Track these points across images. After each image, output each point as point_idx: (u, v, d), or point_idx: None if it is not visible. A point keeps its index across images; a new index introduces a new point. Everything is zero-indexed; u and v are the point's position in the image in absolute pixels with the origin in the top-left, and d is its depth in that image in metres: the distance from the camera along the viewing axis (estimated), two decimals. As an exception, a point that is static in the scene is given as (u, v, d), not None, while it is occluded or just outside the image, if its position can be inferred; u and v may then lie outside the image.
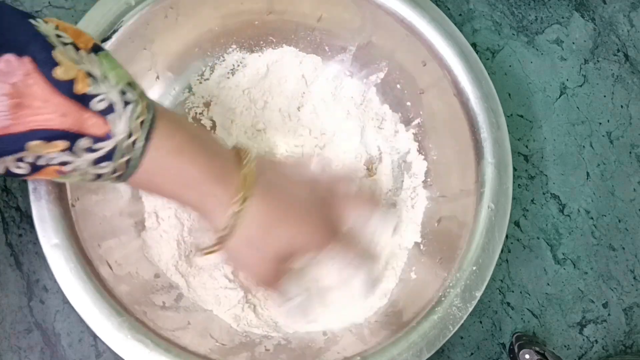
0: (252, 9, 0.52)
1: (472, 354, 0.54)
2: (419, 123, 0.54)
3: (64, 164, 0.30)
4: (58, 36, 0.29)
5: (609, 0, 0.66)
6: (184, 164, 0.33)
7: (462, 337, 0.54)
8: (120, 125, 0.30)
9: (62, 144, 0.29)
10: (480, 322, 0.55)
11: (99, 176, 0.31)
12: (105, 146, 0.30)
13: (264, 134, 0.53)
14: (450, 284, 0.43)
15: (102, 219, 0.45)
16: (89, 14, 0.45)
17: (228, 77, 0.54)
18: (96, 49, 0.31)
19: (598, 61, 0.64)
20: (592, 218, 0.60)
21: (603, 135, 0.62)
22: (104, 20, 0.44)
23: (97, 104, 0.29)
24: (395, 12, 0.49)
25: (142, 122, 0.31)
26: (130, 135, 0.30)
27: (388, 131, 0.55)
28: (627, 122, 0.63)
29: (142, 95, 0.32)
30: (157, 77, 0.52)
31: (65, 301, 0.39)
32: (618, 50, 0.65)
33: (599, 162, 0.61)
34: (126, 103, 0.30)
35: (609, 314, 0.58)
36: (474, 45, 0.62)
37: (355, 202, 0.43)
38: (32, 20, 0.29)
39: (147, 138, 0.31)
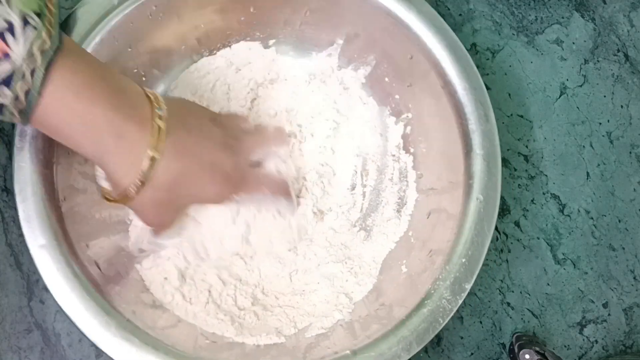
0: (237, 4, 0.52)
1: (472, 354, 0.54)
2: (407, 116, 0.54)
3: None
4: None
5: (609, 0, 0.66)
6: (88, 104, 0.32)
7: (462, 337, 0.54)
8: (19, 48, 0.29)
9: None
10: (480, 322, 0.55)
11: (1, 107, 0.31)
12: (3, 69, 0.29)
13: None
14: (440, 277, 0.43)
15: (89, 218, 0.45)
16: (73, 15, 0.45)
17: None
18: None
19: (598, 61, 0.64)
20: (592, 218, 0.60)
21: (603, 135, 0.62)
22: (88, 20, 0.45)
23: None
24: (382, 4, 0.49)
25: (43, 50, 0.30)
26: (29, 61, 0.29)
27: (377, 125, 0.55)
28: (627, 122, 0.63)
29: (52, 25, 0.31)
30: (144, 76, 0.52)
31: (65, 301, 0.39)
32: (618, 50, 0.65)
33: (599, 162, 0.61)
34: (27, 25, 0.29)
35: (609, 314, 0.57)
36: (474, 45, 0.63)
37: (257, 139, 0.46)
38: None
39: (48, 67, 0.30)
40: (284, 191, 0.47)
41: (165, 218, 0.42)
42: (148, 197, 0.37)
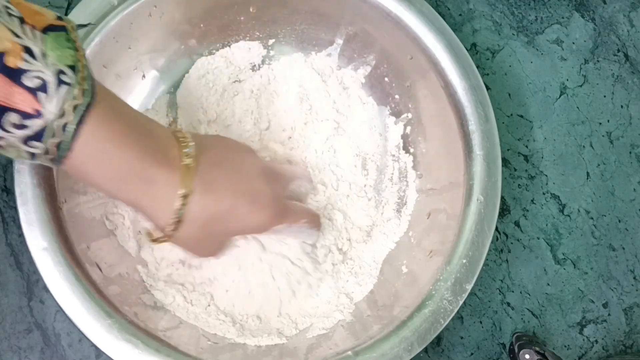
0: (236, 4, 0.52)
1: (472, 354, 0.54)
2: (407, 116, 0.54)
3: None
4: (6, 7, 0.28)
5: (609, 0, 0.66)
6: (118, 155, 0.33)
7: (462, 337, 0.54)
8: (51, 106, 0.29)
9: None
10: (480, 322, 0.55)
11: (33, 155, 0.31)
12: (34, 125, 0.29)
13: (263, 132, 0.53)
14: (441, 278, 0.43)
15: (90, 220, 0.45)
16: (71, 15, 0.45)
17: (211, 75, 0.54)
18: (50, 29, 0.30)
19: (598, 61, 0.64)
20: (592, 218, 0.60)
21: (603, 135, 0.62)
22: (88, 21, 0.45)
23: (29, 81, 0.28)
24: (381, 4, 0.49)
25: (75, 106, 0.30)
26: (61, 117, 0.30)
27: (377, 125, 0.55)
28: (627, 122, 0.63)
29: (85, 79, 0.31)
30: (143, 76, 0.52)
31: (65, 301, 0.39)
32: (618, 50, 0.65)
33: (599, 162, 0.61)
34: (60, 83, 0.29)
35: (609, 314, 0.58)
36: (474, 45, 0.63)
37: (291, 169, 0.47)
38: None
39: (80, 122, 0.31)
40: (316, 223, 0.47)
41: (209, 251, 0.42)
42: (187, 234, 0.37)
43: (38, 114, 0.29)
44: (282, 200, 0.42)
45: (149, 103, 0.52)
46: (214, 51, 0.54)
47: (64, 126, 0.30)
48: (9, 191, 0.51)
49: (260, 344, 0.45)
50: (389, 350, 0.40)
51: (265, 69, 0.55)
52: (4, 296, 0.49)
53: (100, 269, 0.43)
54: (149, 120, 0.37)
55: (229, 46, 0.55)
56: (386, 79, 0.55)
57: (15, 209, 0.50)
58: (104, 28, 0.45)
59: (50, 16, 0.31)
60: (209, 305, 0.46)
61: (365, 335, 0.42)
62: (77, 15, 0.45)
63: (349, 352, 0.40)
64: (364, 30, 0.53)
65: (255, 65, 0.55)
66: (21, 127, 0.29)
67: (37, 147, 0.30)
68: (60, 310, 0.49)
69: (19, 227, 0.50)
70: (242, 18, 0.53)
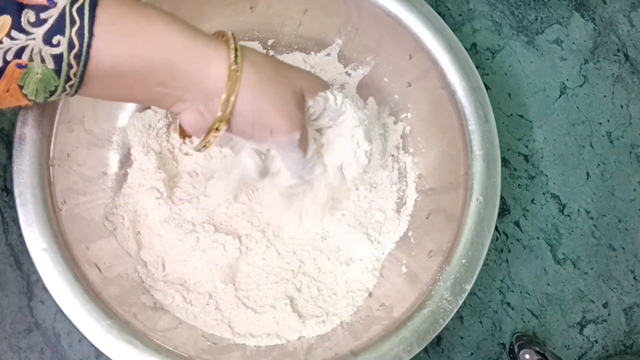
0: (235, 4, 0.52)
1: (472, 354, 0.54)
2: (407, 116, 0.54)
3: (19, 53, 0.29)
4: None
5: (609, 0, 0.66)
6: (139, 31, 0.31)
7: (462, 337, 0.54)
8: None
9: (7, 19, 0.28)
10: (480, 322, 0.55)
11: (59, 63, 0.30)
12: (52, 14, 0.29)
13: None
14: (440, 278, 0.43)
15: (89, 220, 0.45)
16: None
17: None
18: None
19: (598, 61, 0.64)
20: (592, 218, 0.60)
21: (603, 135, 0.62)
22: None
23: None
24: (381, 4, 0.49)
25: None
26: (75, 1, 0.29)
27: (377, 125, 0.55)
28: (627, 122, 0.63)
29: None
30: None
31: (65, 301, 0.39)
32: (618, 50, 0.65)
33: (599, 162, 0.61)
34: None
35: (609, 314, 0.58)
36: (474, 45, 0.62)
37: None
38: None
39: (93, 5, 0.30)
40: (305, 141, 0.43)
41: (287, 107, 0.37)
42: (253, 78, 0.34)
43: (51, 2, 0.29)
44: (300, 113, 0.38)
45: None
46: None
47: (80, 9, 0.30)
48: (9, 191, 0.51)
49: (259, 344, 0.45)
50: (389, 351, 0.40)
51: None
52: (4, 296, 0.49)
53: (99, 270, 0.43)
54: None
55: None
56: (385, 78, 0.55)
57: (15, 209, 0.50)
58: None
59: None
60: (207, 305, 0.46)
61: (365, 336, 0.42)
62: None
63: (348, 353, 0.40)
64: (363, 30, 0.53)
65: None
66: (40, 22, 0.29)
67: (61, 44, 0.30)
68: (60, 310, 0.49)
69: (19, 227, 0.50)
70: (241, 18, 0.53)
